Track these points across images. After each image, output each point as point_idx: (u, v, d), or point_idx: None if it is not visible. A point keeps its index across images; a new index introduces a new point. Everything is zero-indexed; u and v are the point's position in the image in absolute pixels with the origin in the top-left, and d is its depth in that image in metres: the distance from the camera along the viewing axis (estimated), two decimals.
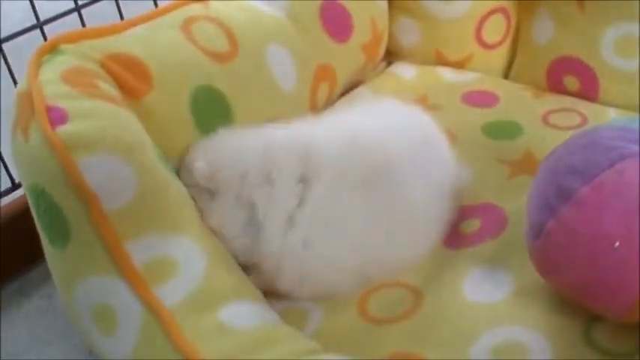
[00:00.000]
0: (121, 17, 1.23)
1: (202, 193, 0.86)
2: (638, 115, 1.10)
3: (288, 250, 0.86)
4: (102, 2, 1.22)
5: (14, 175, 1.16)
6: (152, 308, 0.72)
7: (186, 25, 0.99)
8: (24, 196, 0.81)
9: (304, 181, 0.86)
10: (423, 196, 0.90)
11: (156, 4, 1.29)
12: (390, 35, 1.36)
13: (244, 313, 0.74)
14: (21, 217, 1.12)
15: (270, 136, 0.90)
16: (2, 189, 1.17)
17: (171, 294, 0.73)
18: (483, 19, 1.30)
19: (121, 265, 0.73)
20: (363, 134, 0.91)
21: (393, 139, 0.91)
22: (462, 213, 0.96)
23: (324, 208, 0.86)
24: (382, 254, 0.89)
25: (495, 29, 1.32)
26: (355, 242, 0.87)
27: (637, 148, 0.75)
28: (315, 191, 0.86)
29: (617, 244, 0.72)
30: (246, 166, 0.87)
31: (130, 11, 1.14)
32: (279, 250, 0.86)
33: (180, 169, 0.90)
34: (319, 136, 0.90)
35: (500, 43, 1.33)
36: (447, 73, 1.32)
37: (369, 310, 0.86)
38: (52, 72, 0.81)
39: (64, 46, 0.86)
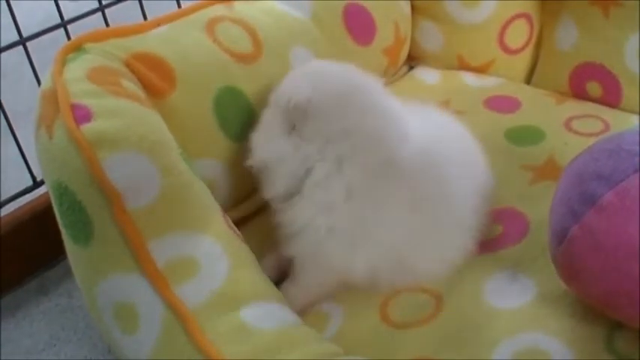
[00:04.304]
0: (145, 18, 1.24)
1: (278, 118, 0.86)
2: None
3: (310, 229, 0.85)
4: (125, 3, 1.23)
5: (35, 173, 1.17)
6: (174, 308, 0.72)
7: (210, 26, 0.99)
8: (45, 194, 0.81)
9: (375, 177, 0.85)
10: (466, 207, 0.90)
11: (179, 5, 1.29)
12: (412, 39, 1.35)
13: (266, 314, 0.74)
14: (42, 214, 1.13)
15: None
16: (24, 187, 1.18)
17: (193, 294, 0.73)
18: (506, 24, 1.30)
19: (143, 264, 0.73)
20: (435, 149, 0.89)
21: (449, 154, 0.91)
22: (484, 218, 0.96)
23: (370, 211, 0.85)
24: (415, 262, 0.88)
25: (518, 34, 1.31)
26: (383, 251, 0.86)
27: None
28: (373, 194, 0.85)
29: None
30: (334, 137, 0.85)
31: (153, 12, 1.14)
32: (300, 224, 0.85)
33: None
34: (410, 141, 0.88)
35: (522, 48, 1.33)
36: (469, 78, 1.32)
37: (390, 314, 0.86)
38: (76, 70, 0.81)
39: (88, 45, 0.86)
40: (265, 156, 0.88)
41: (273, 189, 0.88)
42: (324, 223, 0.84)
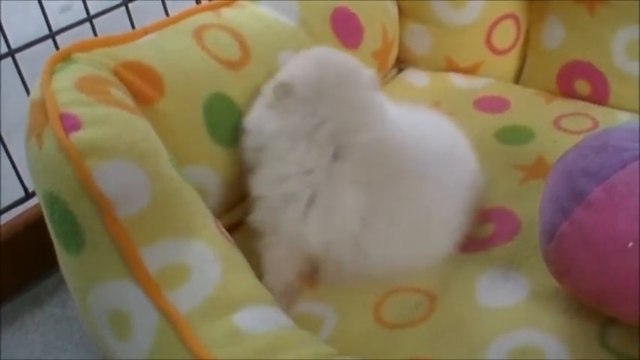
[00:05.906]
0: (133, 27, 1.24)
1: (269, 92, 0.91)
2: None
3: (267, 197, 0.88)
4: (113, 13, 1.23)
5: (27, 185, 1.17)
6: (167, 314, 0.72)
7: (198, 33, 0.99)
8: (37, 205, 0.81)
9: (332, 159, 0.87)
10: (443, 204, 0.90)
11: (167, 13, 1.29)
12: (401, 42, 1.36)
13: (259, 318, 0.74)
14: (34, 225, 1.13)
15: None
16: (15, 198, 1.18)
17: (185, 299, 0.73)
18: (493, 25, 1.30)
19: (135, 271, 0.73)
20: (415, 145, 0.91)
21: (427, 148, 0.92)
22: (475, 218, 0.96)
23: (323, 187, 0.86)
24: (373, 251, 0.88)
25: (506, 35, 1.32)
26: (337, 230, 0.87)
27: None
28: (327, 173, 0.86)
29: (630, 244, 0.71)
30: (302, 116, 0.88)
31: (141, 21, 1.14)
32: (258, 193, 0.89)
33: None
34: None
35: (510, 48, 1.33)
36: (458, 80, 1.32)
37: (383, 315, 0.86)
38: (65, 80, 0.81)
39: (77, 55, 0.86)
40: (247, 122, 0.93)
41: (244, 151, 0.93)
42: (279, 191, 0.87)
